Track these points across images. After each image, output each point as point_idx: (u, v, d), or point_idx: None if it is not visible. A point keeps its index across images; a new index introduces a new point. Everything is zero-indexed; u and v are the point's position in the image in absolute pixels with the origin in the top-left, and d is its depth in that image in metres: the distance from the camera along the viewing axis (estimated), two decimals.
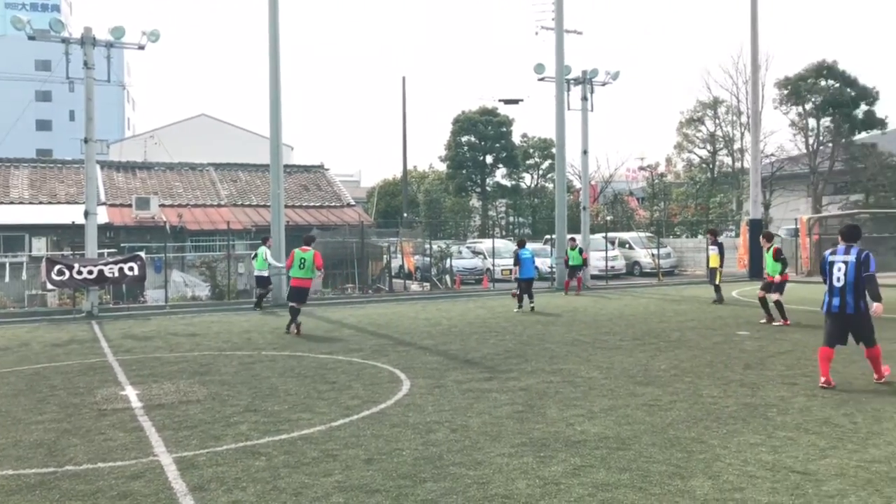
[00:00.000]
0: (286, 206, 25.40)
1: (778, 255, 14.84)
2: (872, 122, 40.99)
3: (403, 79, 50.18)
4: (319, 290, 23.22)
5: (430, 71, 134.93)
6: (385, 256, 26.59)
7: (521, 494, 5.34)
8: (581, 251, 23.79)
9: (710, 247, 20.06)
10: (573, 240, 24.19)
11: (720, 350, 11.60)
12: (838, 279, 8.67)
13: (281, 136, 21.88)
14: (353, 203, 32.98)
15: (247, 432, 7.16)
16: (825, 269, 8.90)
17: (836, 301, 8.70)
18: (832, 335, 8.81)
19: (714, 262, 19.72)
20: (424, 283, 26.05)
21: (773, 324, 14.52)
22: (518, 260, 18.86)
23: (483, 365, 10.66)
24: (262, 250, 19.41)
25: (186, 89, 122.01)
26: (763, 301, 15.09)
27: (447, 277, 26.95)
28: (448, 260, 27.49)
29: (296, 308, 14.72)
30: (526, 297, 18.49)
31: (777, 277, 14.85)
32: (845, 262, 8.67)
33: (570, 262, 23.57)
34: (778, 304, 14.71)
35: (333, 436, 6.98)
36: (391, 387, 9.22)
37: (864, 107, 40.82)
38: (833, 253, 8.94)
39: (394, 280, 26.21)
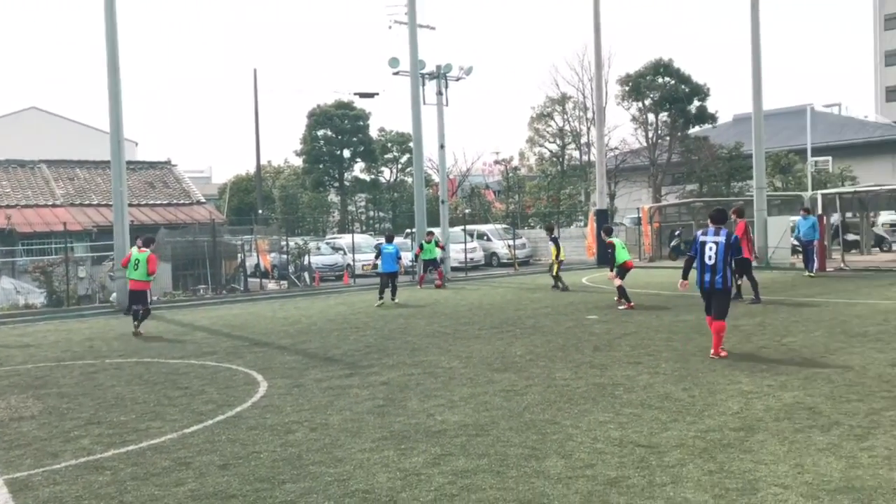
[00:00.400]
0: (130, 205, 23.98)
1: (609, 248, 16.24)
2: (704, 116, 44.23)
3: (255, 71, 48.69)
4: (169, 293, 22.14)
5: (283, 63, 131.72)
6: (239, 255, 25.74)
7: (381, 488, 5.32)
8: (437, 243, 24.09)
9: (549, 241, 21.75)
10: (431, 233, 24.45)
11: (572, 334, 12.10)
12: (710, 258, 9.52)
13: (122, 131, 20.59)
14: (204, 200, 31.70)
15: (89, 446, 6.69)
16: (697, 249, 9.73)
17: (706, 277, 9.56)
18: (708, 306, 9.76)
19: (552, 254, 21.29)
20: (282, 282, 25.44)
21: (619, 307, 15.35)
22: (379, 253, 19.05)
23: (344, 361, 10.55)
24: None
25: (13, 80, 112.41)
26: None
27: (305, 275, 26.49)
28: (306, 257, 27.01)
29: (135, 310, 14.48)
30: (388, 290, 18.58)
31: (628, 263, 16.14)
32: (716, 243, 9.54)
33: (423, 256, 23.76)
34: (620, 288, 15.65)
35: (186, 443, 6.67)
36: (247, 389, 8.93)
37: (696, 102, 43.91)
38: (704, 234, 9.78)
39: (249, 279, 25.44)
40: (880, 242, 31.22)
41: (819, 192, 26.60)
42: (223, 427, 7.19)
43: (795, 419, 6.57)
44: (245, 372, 10.04)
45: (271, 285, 25.16)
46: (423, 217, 27.01)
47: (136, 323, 14.32)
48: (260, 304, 20.57)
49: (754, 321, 12.62)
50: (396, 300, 18.59)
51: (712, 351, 9.63)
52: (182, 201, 29.98)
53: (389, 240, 19.76)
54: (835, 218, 27.75)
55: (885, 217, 39.30)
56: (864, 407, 6.85)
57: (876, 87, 75.14)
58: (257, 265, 26.36)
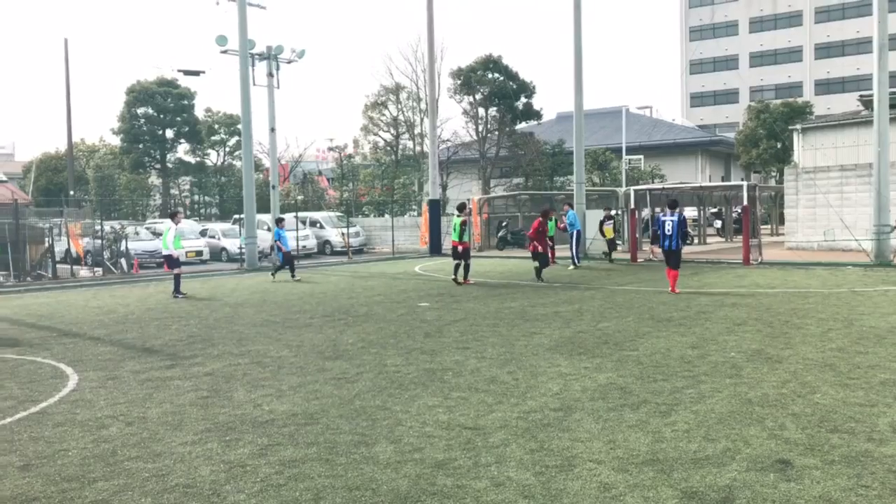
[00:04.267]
0: None
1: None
2: (530, 113, 46.13)
3: (66, 41, 44.75)
4: None
5: (99, 34, 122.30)
6: (47, 239, 23.70)
7: (204, 482, 5.10)
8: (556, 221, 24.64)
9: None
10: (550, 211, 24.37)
11: (404, 321, 12.23)
12: (669, 230, 15.25)
13: None
14: (5, 179, 28.87)
15: None
16: (659, 224, 15.70)
17: (666, 243, 15.32)
18: (667, 262, 15.54)
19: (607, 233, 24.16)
20: (96, 268, 23.72)
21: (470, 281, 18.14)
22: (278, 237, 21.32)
23: (164, 352, 10.01)
24: (171, 227, 17.68)
25: None
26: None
27: (123, 261, 24.84)
28: (123, 242, 25.33)
29: None
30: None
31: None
32: (672, 221, 15.25)
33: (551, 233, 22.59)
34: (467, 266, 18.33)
35: None
36: (54, 383, 8.23)
37: (523, 99, 45.72)
38: (664, 215, 15.59)
39: (59, 265, 23.51)
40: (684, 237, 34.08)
41: (632, 187, 28.58)
42: (24, 425, 6.58)
43: (609, 398, 7.03)
44: (52, 365, 9.25)
45: (84, 272, 23.41)
46: (252, 203, 26.21)
47: None
48: (71, 292, 19.06)
49: (573, 308, 13.36)
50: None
51: (670, 288, 15.26)
52: None
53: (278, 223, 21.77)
54: (645, 213, 29.98)
55: (688, 213, 43.04)
56: (668, 386, 7.46)
57: (682, 93, 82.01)
58: (68, 250, 24.43)
